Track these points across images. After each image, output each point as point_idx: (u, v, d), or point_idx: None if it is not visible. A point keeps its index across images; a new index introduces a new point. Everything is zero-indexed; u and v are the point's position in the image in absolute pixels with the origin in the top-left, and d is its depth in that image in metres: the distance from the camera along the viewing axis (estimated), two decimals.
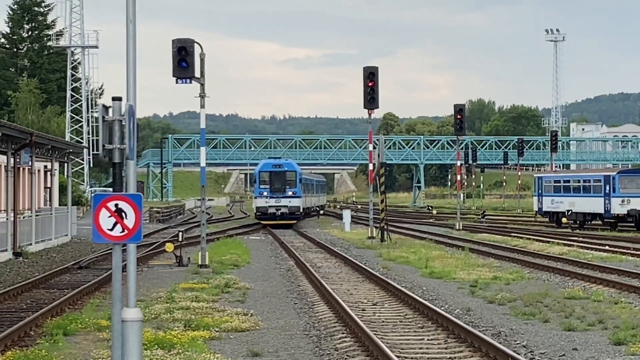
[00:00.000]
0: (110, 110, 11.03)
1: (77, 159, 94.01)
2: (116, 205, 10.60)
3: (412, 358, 19.03)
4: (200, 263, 39.67)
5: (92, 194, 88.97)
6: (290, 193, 75.12)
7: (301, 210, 79.07)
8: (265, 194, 74.72)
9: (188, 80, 37.11)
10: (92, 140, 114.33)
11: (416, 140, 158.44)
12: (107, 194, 10.84)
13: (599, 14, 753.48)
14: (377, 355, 18.86)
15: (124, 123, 10.97)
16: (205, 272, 37.55)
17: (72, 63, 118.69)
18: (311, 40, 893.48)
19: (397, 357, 18.20)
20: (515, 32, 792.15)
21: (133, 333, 11.07)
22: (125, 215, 10.62)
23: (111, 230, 10.62)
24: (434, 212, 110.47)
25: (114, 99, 11.00)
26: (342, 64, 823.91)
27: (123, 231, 10.66)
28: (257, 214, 77.05)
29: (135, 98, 11.19)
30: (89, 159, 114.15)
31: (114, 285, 11.15)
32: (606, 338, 21.31)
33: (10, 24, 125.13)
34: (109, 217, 10.61)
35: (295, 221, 75.70)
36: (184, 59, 36.03)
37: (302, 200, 79.86)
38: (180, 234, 48.30)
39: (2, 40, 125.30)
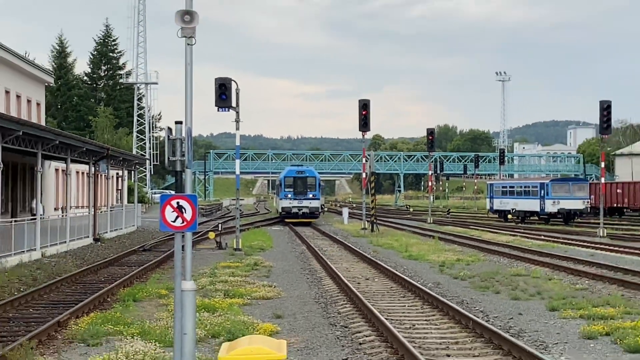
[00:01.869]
0: (174, 131, 11.09)
1: (141, 168, 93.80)
2: (177, 203, 10.63)
3: (397, 320, 19.05)
4: (235, 247, 39.69)
5: (153, 194, 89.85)
6: (310, 195, 69.57)
7: (319, 210, 73.34)
8: (289, 196, 69.30)
9: (226, 109, 37.09)
10: (152, 154, 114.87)
11: (397, 155, 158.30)
12: (171, 194, 10.87)
13: (535, 59, 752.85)
14: (371, 318, 18.96)
15: (184, 141, 11.04)
16: (239, 254, 37.57)
17: (137, 96, 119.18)
18: (318, 79, 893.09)
19: (386, 319, 18.25)
20: (472, 72, 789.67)
21: (189, 300, 11.12)
22: (184, 211, 10.64)
23: (174, 221, 10.65)
24: (411, 209, 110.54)
25: (176, 122, 11.05)
26: (341, 97, 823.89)
27: (183, 222, 10.69)
28: (282, 213, 71.77)
29: (192, 122, 11.27)
30: (150, 167, 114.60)
31: (175, 264, 11.19)
32: (543, 306, 21.53)
33: (91, 65, 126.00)
34: (172, 212, 10.64)
35: (314, 219, 71.11)
36: (224, 93, 36.03)
37: (320, 202, 74.00)
38: (220, 225, 48.46)
39: (85, 77, 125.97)
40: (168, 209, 10.62)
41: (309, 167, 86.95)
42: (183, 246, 11.35)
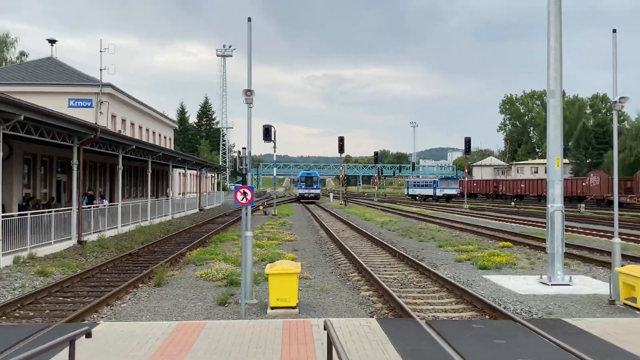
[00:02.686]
0: (241, 152, 11.14)
1: (223, 172, 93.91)
2: (243, 190, 10.65)
3: (358, 252, 19.08)
4: (273, 214, 39.66)
5: (231, 186, 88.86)
6: (314, 187, 66.36)
7: (319, 195, 69.31)
8: (303, 187, 66.27)
9: (269, 141, 36.99)
10: (229, 164, 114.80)
11: (358, 165, 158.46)
12: (239, 185, 10.88)
13: (431, 115, 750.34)
14: (345, 251, 18.93)
15: (246, 157, 11.08)
16: (275, 217, 37.51)
17: (222, 134, 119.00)
18: (317, 125, 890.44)
19: (353, 251, 18.31)
20: (397, 123, 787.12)
21: (249, 241, 11.15)
22: (247, 194, 10.66)
23: (242, 200, 10.66)
24: (366, 194, 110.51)
25: (242, 148, 11.12)
26: (329, 135, 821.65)
27: (246, 201, 10.70)
28: (298, 196, 68.30)
29: (251, 148, 11.30)
30: (229, 172, 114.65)
31: (242, 222, 11.21)
32: (435, 244, 21.54)
33: (197, 118, 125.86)
34: (240, 195, 10.64)
35: (317, 200, 67.06)
36: (267, 132, 35.92)
37: (320, 190, 69.83)
38: (265, 202, 48.54)
39: (195, 125, 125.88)
40: (238, 193, 10.62)
41: (314, 170, 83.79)
42: (246, 213, 11.38)
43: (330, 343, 4.81)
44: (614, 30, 11.56)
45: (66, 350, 7.42)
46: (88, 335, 4.93)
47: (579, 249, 19.58)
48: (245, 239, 11.09)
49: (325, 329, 4.98)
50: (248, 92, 11.21)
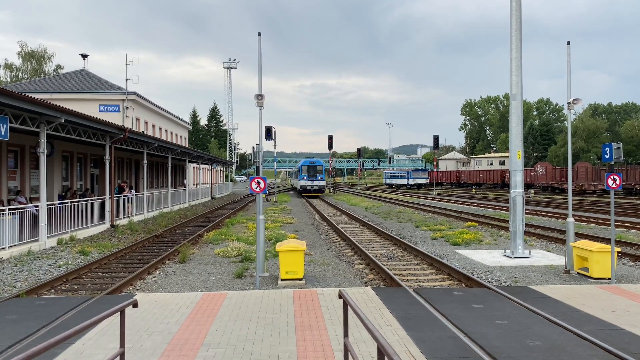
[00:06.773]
0: (255, 147, 10.92)
1: (229, 166, 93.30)
2: (257, 180, 10.43)
3: (349, 232, 18.94)
4: (274, 201, 39.32)
5: (236, 178, 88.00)
6: (319, 178, 49.96)
7: (325, 188, 53.02)
8: (305, 178, 49.96)
9: (270, 139, 36.60)
10: (235, 160, 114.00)
11: (344, 160, 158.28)
12: (254, 176, 10.64)
13: (403, 117, 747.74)
14: (338, 231, 18.73)
15: (259, 152, 10.85)
16: (276, 204, 37.14)
17: (229, 134, 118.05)
18: (308, 126, 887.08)
19: (345, 231, 18.17)
20: (375, 123, 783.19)
21: (262, 224, 10.94)
22: (260, 184, 10.44)
23: (256, 188, 10.44)
24: (350, 184, 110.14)
25: (256, 144, 10.93)
26: (319, 134, 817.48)
27: (260, 189, 10.48)
28: (300, 189, 51.09)
29: (262, 144, 11.07)
30: (234, 166, 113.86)
31: (257, 207, 11.01)
32: (412, 225, 21.36)
33: (207, 121, 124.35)
34: (255, 184, 10.42)
35: (321, 193, 50.79)
36: (269, 131, 35.42)
37: (325, 181, 51.84)
38: (268, 191, 48.04)
39: (205, 126, 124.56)
40: (253, 183, 10.38)
41: (318, 159, 59.06)
42: (260, 200, 11.14)
43: (346, 306, 4.69)
44: (568, 42, 11.47)
45: (109, 318, 7.24)
46: (135, 305, 4.77)
47: (533, 227, 19.63)
48: (259, 222, 10.89)
49: (340, 297, 4.87)
50: (260, 96, 10.96)
